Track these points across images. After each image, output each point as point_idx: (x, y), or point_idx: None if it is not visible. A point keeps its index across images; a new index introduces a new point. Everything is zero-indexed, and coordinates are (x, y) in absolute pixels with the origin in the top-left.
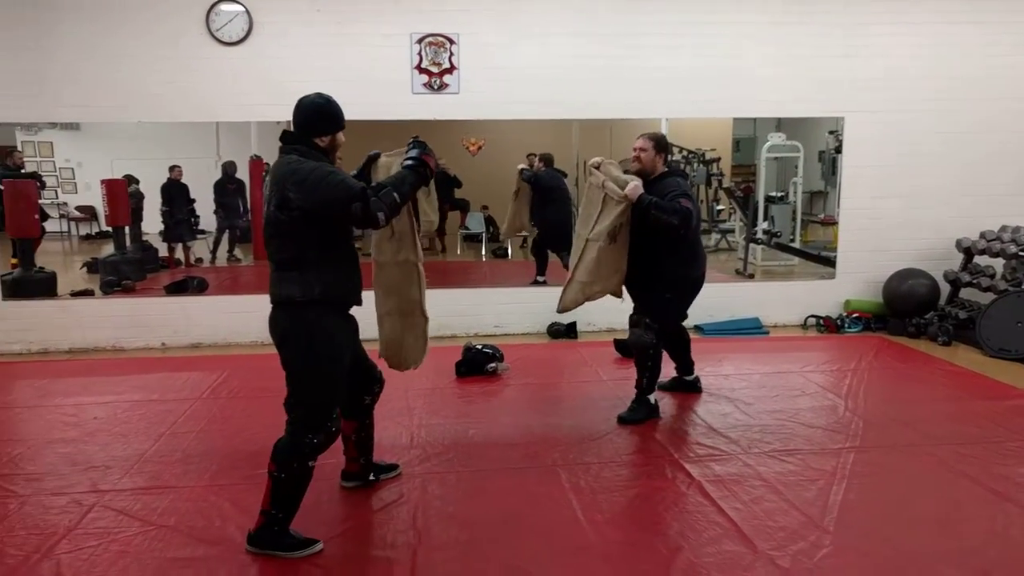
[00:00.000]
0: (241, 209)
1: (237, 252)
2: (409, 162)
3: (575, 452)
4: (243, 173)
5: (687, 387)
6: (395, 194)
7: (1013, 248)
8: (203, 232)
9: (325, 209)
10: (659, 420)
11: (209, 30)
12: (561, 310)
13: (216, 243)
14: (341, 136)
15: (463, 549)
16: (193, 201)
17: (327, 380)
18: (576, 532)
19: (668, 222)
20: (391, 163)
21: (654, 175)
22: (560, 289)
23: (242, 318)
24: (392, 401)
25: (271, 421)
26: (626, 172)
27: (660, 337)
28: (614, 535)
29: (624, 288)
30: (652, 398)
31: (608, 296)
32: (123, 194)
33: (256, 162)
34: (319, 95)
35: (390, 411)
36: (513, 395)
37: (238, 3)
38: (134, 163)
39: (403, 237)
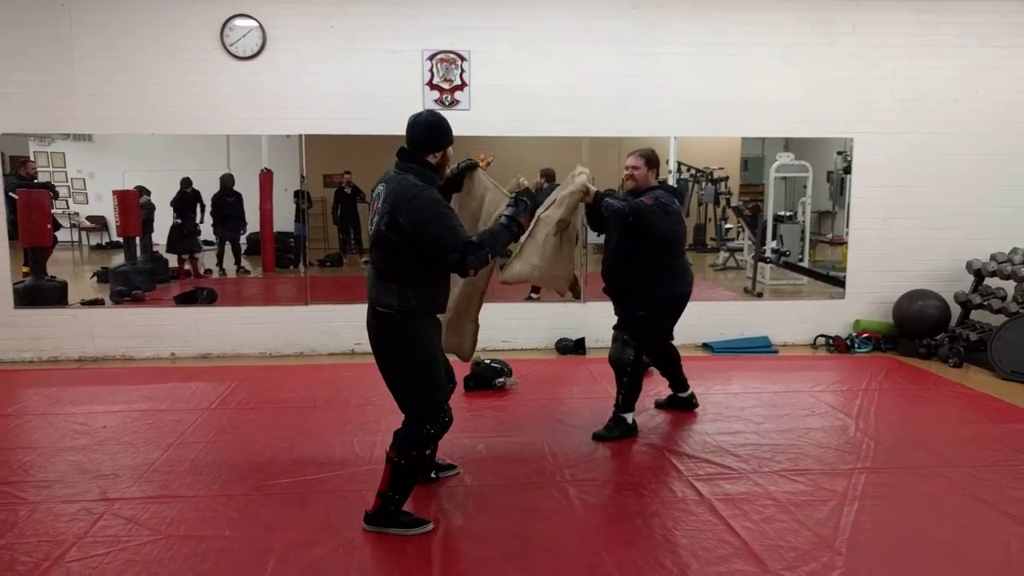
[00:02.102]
0: (241, 221)
1: (246, 264)
2: (504, 220)
3: (584, 468)
4: (251, 184)
5: (682, 404)
6: (488, 254)
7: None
8: (209, 243)
9: (425, 243)
10: (668, 437)
11: (223, 44)
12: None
13: (219, 256)
14: (450, 150)
15: (472, 563)
16: (203, 212)
17: (430, 376)
18: (586, 549)
19: (617, 208)
20: (484, 193)
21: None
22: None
23: (251, 329)
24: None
25: (280, 432)
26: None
27: (640, 355)
28: (624, 552)
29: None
30: (630, 417)
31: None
32: (134, 205)
33: (266, 175)
34: (431, 112)
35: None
36: (522, 410)
37: (252, 18)
38: (145, 174)
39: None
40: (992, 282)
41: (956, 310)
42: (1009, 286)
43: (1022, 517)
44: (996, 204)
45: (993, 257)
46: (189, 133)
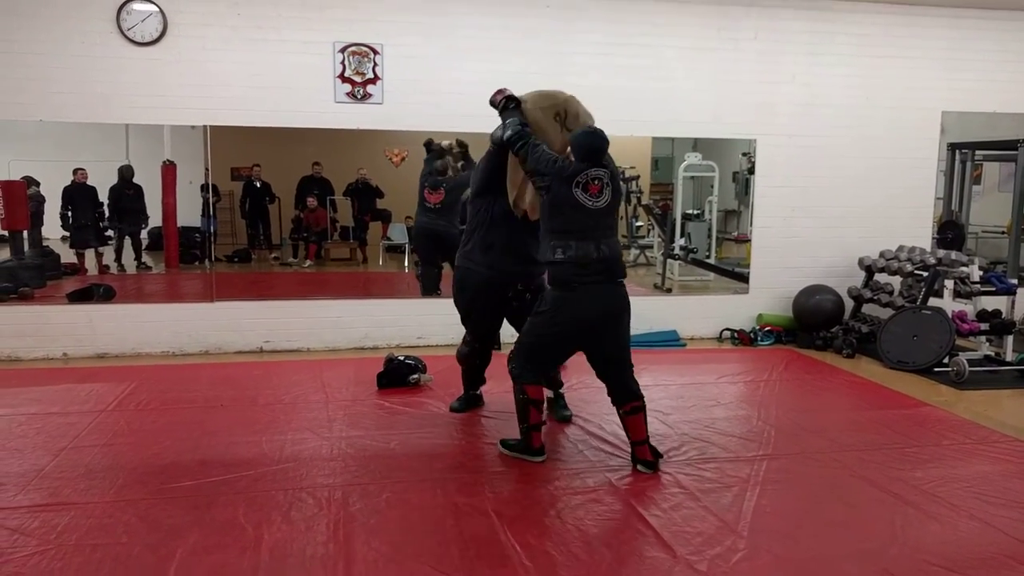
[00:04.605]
0: (141, 214)
1: (147, 260)
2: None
3: (498, 462)
4: (153, 177)
5: (476, 402)
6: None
7: (909, 267)
8: (110, 238)
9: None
10: (581, 430)
11: (120, 29)
12: None
13: (118, 250)
14: None
15: (385, 562)
16: (101, 205)
17: None
18: (499, 542)
19: None
20: None
21: None
22: None
23: (152, 327)
24: (313, 413)
25: (183, 433)
26: None
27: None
28: (537, 543)
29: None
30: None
31: None
32: (22, 196)
33: (169, 167)
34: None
35: (310, 423)
36: (436, 406)
37: (151, 3)
38: (35, 164)
39: None
40: (881, 278)
41: (850, 304)
42: (896, 281)
43: (905, 496)
44: (885, 204)
45: (882, 254)
46: (82, 121)
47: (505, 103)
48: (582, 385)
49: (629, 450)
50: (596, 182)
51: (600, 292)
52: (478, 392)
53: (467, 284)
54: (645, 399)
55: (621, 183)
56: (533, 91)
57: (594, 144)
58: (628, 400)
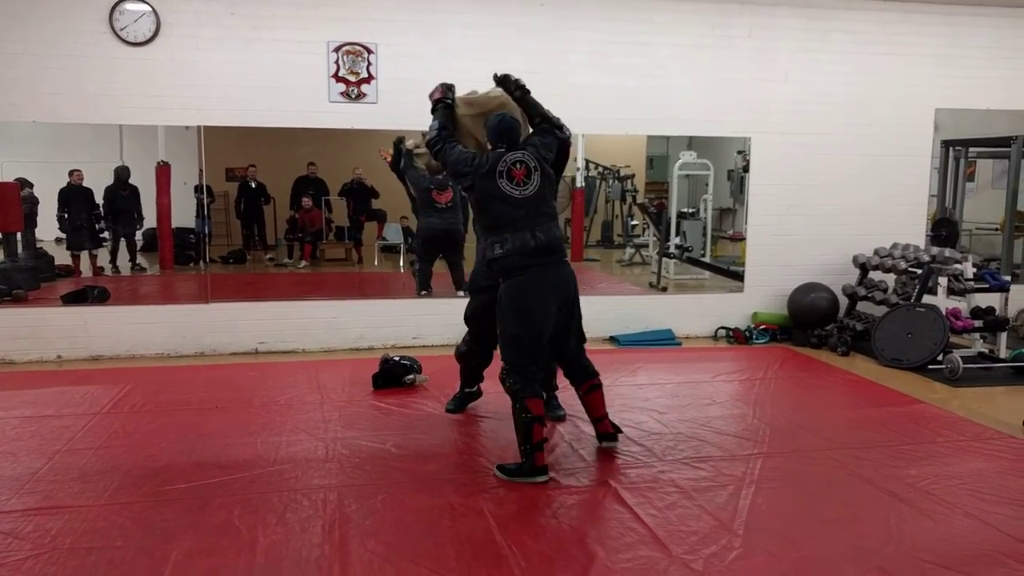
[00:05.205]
0: (136, 216)
1: (141, 261)
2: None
3: (494, 462)
4: (148, 177)
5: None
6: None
7: (903, 264)
8: (105, 240)
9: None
10: (575, 429)
11: (113, 29)
12: None
13: (113, 252)
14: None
15: (381, 563)
16: (97, 207)
17: None
18: (495, 542)
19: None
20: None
21: None
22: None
23: (147, 329)
24: (308, 414)
25: (178, 435)
26: None
27: (472, 339)
28: (532, 543)
29: None
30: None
31: None
32: (15, 198)
33: (163, 168)
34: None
35: (306, 424)
36: (431, 407)
37: (144, 2)
38: (28, 166)
39: None
40: (876, 275)
41: (844, 302)
42: (890, 279)
43: (900, 493)
44: (879, 202)
45: (876, 252)
46: (75, 122)
47: (433, 105)
48: None
49: (624, 448)
50: (519, 166)
51: (548, 272)
52: (475, 389)
53: (476, 285)
54: (603, 380)
55: (551, 168)
56: (467, 94)
57: (503, 125)
58: (586, 379)
